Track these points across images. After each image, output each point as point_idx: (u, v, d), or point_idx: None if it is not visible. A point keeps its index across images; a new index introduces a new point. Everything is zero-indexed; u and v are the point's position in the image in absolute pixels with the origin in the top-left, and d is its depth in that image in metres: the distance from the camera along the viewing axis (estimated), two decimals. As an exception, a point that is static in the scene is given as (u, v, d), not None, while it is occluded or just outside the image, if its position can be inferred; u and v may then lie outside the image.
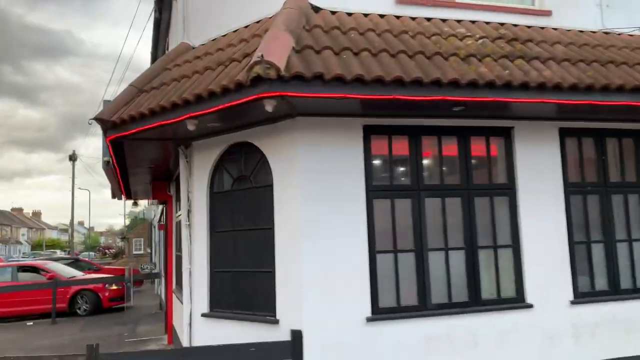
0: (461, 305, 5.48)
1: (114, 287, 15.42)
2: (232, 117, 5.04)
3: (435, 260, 5.50)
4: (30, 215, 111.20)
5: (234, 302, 5.71)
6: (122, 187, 10.48)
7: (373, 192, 5.37)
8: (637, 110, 5.59)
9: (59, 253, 59.41)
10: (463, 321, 5.43)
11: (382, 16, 5.61)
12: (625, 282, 6.09)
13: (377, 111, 5.24)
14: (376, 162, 5.49)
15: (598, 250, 6.06)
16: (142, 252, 37.71)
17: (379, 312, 5.21)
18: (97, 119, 5.52)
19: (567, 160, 6.05)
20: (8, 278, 14.88)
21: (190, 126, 5.11)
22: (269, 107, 4.46)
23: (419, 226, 5.47)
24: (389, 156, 5.54)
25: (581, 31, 6.22)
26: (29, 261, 20.27)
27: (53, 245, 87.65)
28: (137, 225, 41.67)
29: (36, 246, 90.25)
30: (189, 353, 5.15)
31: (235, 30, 5.80)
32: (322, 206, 5.15)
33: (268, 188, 5.42)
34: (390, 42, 4.99)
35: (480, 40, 5.36)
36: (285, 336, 5.02)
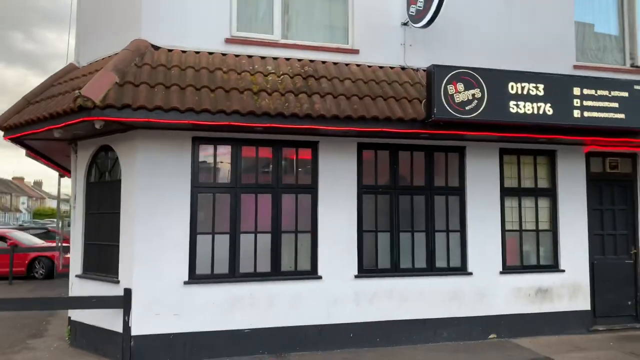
0: (263, 274, 7.27)
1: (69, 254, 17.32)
2: (86, 129, 6.76)
3: (246, 240, 7.27)
4: (32, 184, 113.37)
5: (97, 267, 7.52)
6: (59, 168, 12.26)
7: (197, 187, 7.12)
8: (410, 135, 7.28)
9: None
10: (264, 287, 7.22)
11: (211, 53, 7.28)
12: (404, 264, 7.85)
13: (204, 127, 6.93)
14: (202, 165, 7.22)
15: (384, 238, 7.81)
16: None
17: (195, 278, 7.00)
18: (-8, 124, 7.26)
19: (363, 167, 7.76)
20: (-23, 242, 16.77)
21: (56, 134, 6.86)
22: (97, 125, 6.20)
23: (234, 215, 7.23)
24: (214, 161, 7.28)
25: (381, 67, 7.87)
26: (-5, 229, 22.09)
27: (53, 214, 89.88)
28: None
29: (36, 215, 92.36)
30: (48, 302, 6.99)
31: (103, 58, 7.48)
32: (154, 197, 6.90)
33: (119, 182, 7.17)
34: (201, 77, 6.69)
35: (282, 77, 7.04)
36: (122, 293, 6.83)
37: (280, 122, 6.54)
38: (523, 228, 8.43)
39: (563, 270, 8.44)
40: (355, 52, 7.91)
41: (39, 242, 18.34)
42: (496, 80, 7.01)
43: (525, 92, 7.10)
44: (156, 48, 7.11)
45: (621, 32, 9.30)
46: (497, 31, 8.43)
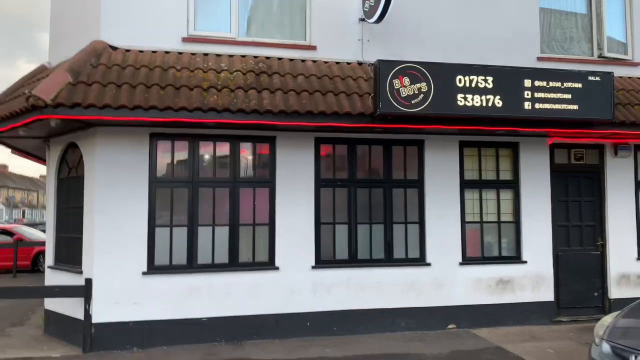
0: (221, 265, 7.52)
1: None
2: (46, 127, 7.09)
3: (204, 233, 7.53)
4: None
5: (66, 258, 7.88)
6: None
7: (156, 182, 7.40)
8: (360, 128, 7.42)
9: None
10: (221, 277, 7.48)
11: (167, 52, 7.54)
12: (362, 255, 8.02)
13: (160, 123, 7.18)
14: (161, 160, 7.50)
15: (342, 230, 7.99)
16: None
17: (154, 269, 7.30)
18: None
19: (321, 161, 7.94)
20: (-9, 238, 17.50)
21: (21, 132, 7.23)
22: (52, 123, 6.53)
23: (192, 208, 7.50)
24: (172, 156, 7.54)
25: (338, 62, 8.01)
26: (2, 225, 22.85)
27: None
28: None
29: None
30: (15, 291, 7.35)
31: (68, 60, 7.80)
32: (113, 192, 7.20)
33: (82, 177, 7.50)
34: (154, 76, 6.94)
35: (234, 73, 7.26)
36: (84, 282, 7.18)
37: (227, 118, 6.76)
38: (484, 220, 8.51)
39: (525, 262, 8.50)
40: (312, 48, 8.08)
41: (44, 236, 18.98)
42: (443, 74, 7.10)
43: (473, 85, 7.17)
44: (114, 48, 7.40)
45: (589, 23, 9.24)
46: (457, 25, 8.48)
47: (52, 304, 7.96)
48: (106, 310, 7.11)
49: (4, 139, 8.40)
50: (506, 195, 8.63)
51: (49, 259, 8.21)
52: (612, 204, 8.95)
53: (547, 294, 8.55)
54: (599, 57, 9.12)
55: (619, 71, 9.15)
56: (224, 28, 7.93)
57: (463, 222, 8.35)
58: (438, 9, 8.46)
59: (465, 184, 8.42)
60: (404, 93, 6.96)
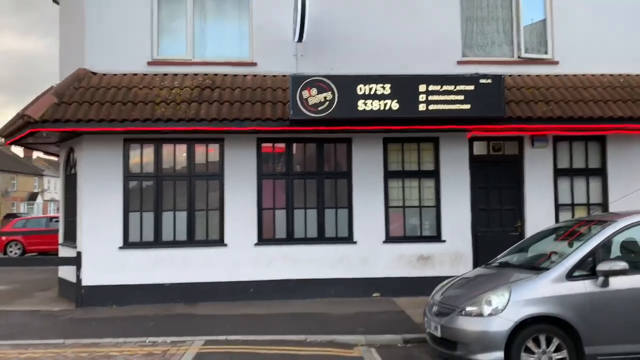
0: (181, 242, 9.46)
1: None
2: (43, 136, 9.31)
3: (167, 216, 9.50)
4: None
5: (70, 237, 10.14)
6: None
7: (128, 177, 9.46)
8: (280, 131, 9.04)
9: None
10: (181, 251, 9.42)
11: (135, 74, 9.52)
12: (298, 234, 9.66)
13: (130, 131, 9.18)
14: (132, 159, 9.54)
15: (281, 214, 9.66)
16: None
17: (128, 244, 9.37)
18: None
19: (262, 157, 9.65)
20: (43, 225, 20.69)
21: (30, 139, 9.52)
22: (44, 134, 8.72)
23: (157, 197, 9.48)
24: (141, 156, 9.56)
25: (275, 76, 9.66)
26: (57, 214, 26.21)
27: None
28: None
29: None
30: (24, 261, 9.68)
31: (66, 82, 10.00)
32: (96, 185, 9.32)
33: (76, 174, 9.69)
34: (119, 94, 8.94)
35: (184, 89, 9.13)
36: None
37: (172, 125, 8.65)
38: (407, 205, 9.86)
39: (444, 241, 9.77)
40: (253, 64, 9.78)
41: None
42: (346, 84, 8.55)
43: (372, 92, 8.56)
44: (94, 74, 9.49)
45: (510, 27, 10.23)
46: (382, 38, 9.83)
47: (63, 273, 10.28)
48: (92, 276, 9.26)
49: (33, 146, 10.84)
50: (428, 184, 9.92)
51: (60, 238, 10.54)
52: (530, 190, 9.96)
53: (466, 269, 9.61)
54: (518, 57, 10.11)
55: (539, 70, 10.15)
56: (182, 51, 9.82)
57: (387, 207, 9.75)
58: (364, 23, 9.86)
59: (389, 175, 9.80)
60: (311, 101, 8.51)
